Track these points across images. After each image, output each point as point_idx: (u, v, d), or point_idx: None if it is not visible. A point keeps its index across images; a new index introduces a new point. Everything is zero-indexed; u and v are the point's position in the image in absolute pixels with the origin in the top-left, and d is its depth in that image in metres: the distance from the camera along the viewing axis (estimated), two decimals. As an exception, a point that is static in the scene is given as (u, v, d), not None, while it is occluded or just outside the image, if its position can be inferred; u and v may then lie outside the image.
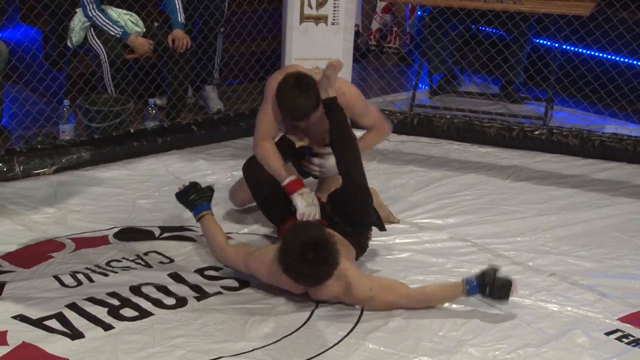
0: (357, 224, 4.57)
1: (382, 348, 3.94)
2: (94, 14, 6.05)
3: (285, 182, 4.70)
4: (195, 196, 4.48)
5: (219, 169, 5.84)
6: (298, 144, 4.92)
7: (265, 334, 4.02)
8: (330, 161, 4.81)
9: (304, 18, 6.21)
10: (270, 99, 4.73)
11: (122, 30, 6.11)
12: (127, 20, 6.18)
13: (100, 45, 6.07)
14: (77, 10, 6.16)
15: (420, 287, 4.34)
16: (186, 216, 5.05)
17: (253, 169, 4.81)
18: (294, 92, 4.55)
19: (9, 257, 4.58)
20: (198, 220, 4.52)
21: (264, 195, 4.82)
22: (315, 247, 3.98)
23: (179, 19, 6.30)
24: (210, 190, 4.58)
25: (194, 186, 4.54)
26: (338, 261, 4.04)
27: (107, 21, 6.08)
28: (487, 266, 4.24)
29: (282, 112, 4.66)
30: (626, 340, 4.06)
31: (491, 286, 4.12)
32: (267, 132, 4.80)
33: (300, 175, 4.88)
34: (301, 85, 4.55)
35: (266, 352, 3.88)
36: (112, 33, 6.08)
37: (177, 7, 6.31)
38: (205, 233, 4.50)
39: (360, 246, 4.57)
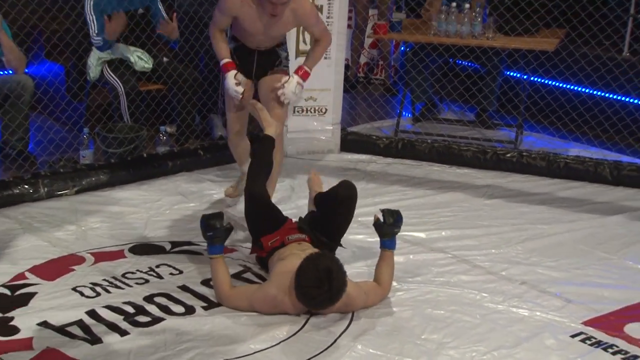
0: (335, 237, 4.62)
1: (370, 350, 3.96)
2: (96, 43, 6.11)
3: (222, 62, 5.07)
4: (212, 234, 4.36)
5: (214, 186, 5.85)
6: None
7: (266, 338, 4.02)
8: (289, 86, 5.00)
9: (299, 53, 6.24)
10: (223, 3, 4.97)
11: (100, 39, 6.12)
12: (136, 56, 6.21)
13: (116, 79, 6.10)
14: (93, 48, 6.19)
15: (380, 278, 4.42)
16: (194, 233, 5.07)
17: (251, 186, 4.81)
18: None
19: (35, 270, 4.59)
20: (210, 258, 4.43)
21: (253, 207, 4.74)
22: (329, 277, 4.00)
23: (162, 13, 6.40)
24: (227, 231, 4.42)
25: (213, 223, 4.38)
26: (346, 285, 4.08)
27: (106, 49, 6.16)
28: (375, 220, 4.46)
29: None
30: (589, 342, 4.09)
31: (394, 225, 4.41)
32: (218, 23, 5.08)
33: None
34: None
35: (266, 355, 3.90)
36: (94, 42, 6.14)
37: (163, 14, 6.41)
38: (212, 274, 4.41)
39: (334, 252, 4.58)
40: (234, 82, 4.96)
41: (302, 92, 5.09)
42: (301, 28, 5.96)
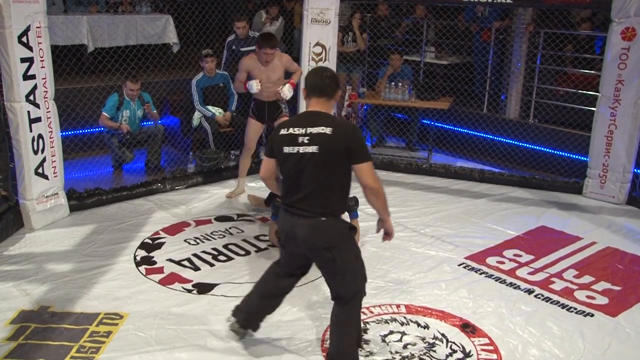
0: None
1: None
2: (199, 107, 6.08)
3: (244, 83, 4.80)
4: (274, 211, 4.32)
5: (261, 184, 5.70)
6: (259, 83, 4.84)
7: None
8: (285, 88, 4.82)
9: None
10: (241, 65, 4.84)
11: (211, 114, 6.09)
12: (216, 111, 6.17)
13: (207, 125, 6.11)
14: (196, 109, 6.14)
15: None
16: (250, 210, 5.06)
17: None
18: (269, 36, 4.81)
19: (164, 230, 4.62)
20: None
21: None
22: None
23: (231, 107, 6.22)
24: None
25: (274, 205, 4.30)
26: None
27: (205, 109, 6.09)
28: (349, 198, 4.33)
29: (260, 46, 4.70)
30: (468, 268, 4.13)
31: (355, 205, 4.29)
32: (239, 78, 4.86)
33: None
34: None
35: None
36: (207, 115, 6.08)
37: (234, 100, 6.22)
38: (270, 227, 4.39)
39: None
40: (255, 82, 4.79)
41: (291, 92, 4.88)
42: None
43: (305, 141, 2.71)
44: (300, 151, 2.72)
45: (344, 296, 2.85)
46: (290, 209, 2.81)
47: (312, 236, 2.76)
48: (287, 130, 2.76)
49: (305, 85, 2.82)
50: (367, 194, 2.81)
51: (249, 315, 3.11)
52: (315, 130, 2.70)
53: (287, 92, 4.86)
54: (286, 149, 2.74)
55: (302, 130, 2.72)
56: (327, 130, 2.69)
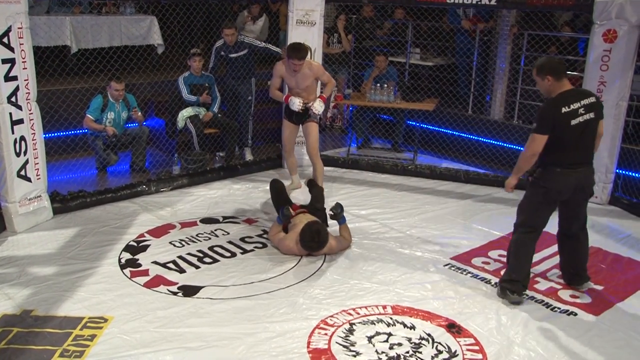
0: (322, 205, 4.63)
1: (335, 276, 3.99)
2: (187, 97, 6.00)
3: (284, 97, 5.09)
4: (279, 215, 4.35)
5: (247, 186, 5.73)
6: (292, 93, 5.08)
7: (280, 269, 4.03)
8: (316, 104, 5.08)
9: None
10: (275, 71, 5.09)
11: (196, 99, 5.99)
12: (201, 110, 6.13)
13: (192, 127, 6.06)
14: (181, 111, 6.09)
15: (343, 236, 4.38)
16: (236, 212, 5.05)
17: (273, 181, 4.87)
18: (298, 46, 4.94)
19: (149, 232, 4.59)
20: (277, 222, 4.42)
21: (274, 191, 4.77)
22: (318, 234, 4.06)
23: (213, 108, 6.17)
24: (285, 216, 4.34)
25: (282, 211, 4.33)
26: (328, 238, 4.12)
27: (194, 98, 6.03)
28: (330, 215, 4.44)
29: (289, 54, 4.88)
30: (453, 268, 4.15)
31: (340, 212, 4.38)
32: (274, 84, 5.14)
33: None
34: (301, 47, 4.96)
35: (281, 276, 3.93)
36: (192, 101, 6.00)
37: (217, 102, 6.20)
38: (271, 227, 4.45)
39: (325, 219, 4.56)
40: (297, 100, 5.03)
41: (322, 106, 5.14)
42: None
43: (582, 111, 3.48)
44: (581, 120, 3.47)
45: (585, 221, 3.76)
46: (570, 166, 3.52)
47: (590, 179, 3.63)
48: (569, 108, 3.45)
49: (551, 71, 3.48)
50: (598, 142, 3.65)
51: (525, 280, 3.72)
52: (587, 101, 3.50)
53: (318, 107, 5.12)
54: (573, 122, 3.46)
55: (578, 104, 3.48)
56: (593, 99, 3.54)
